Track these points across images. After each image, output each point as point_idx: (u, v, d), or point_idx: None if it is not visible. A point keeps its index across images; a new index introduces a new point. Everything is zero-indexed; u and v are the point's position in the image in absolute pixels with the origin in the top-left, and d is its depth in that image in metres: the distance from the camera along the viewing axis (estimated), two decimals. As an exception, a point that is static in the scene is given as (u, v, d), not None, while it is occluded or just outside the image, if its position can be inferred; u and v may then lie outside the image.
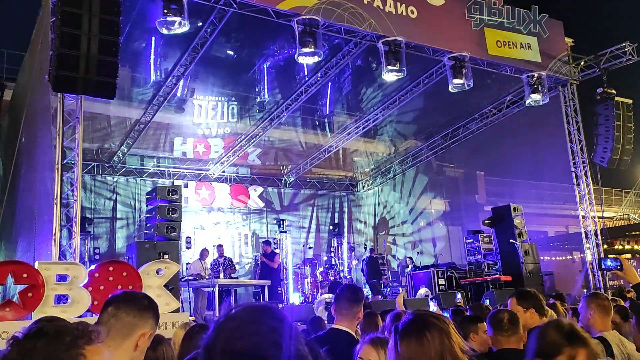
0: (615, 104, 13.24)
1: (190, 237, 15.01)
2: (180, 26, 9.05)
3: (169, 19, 8.86)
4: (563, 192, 16.53)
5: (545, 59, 12.97)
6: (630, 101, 13.58)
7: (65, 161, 8.49)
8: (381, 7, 10.79)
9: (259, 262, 14.36)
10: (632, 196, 25.23)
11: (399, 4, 11.03)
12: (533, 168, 16.44)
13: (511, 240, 13.13)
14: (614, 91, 13.32)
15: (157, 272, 7.07)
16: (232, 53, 14.48)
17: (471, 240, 14.43)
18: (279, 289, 13.92)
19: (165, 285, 7.18)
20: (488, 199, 18.74)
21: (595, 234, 13.34)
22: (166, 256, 9.21)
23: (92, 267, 7.17)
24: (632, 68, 13.30)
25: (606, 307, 3.69)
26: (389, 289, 15.19)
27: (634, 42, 12.94)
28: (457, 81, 11.62)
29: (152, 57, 13.74)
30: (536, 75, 12.77)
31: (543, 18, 12.98)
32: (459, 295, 10.93)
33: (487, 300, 9.77)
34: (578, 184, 13.57)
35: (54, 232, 7.96)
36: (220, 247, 12.97)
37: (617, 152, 13.21)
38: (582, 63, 13.76)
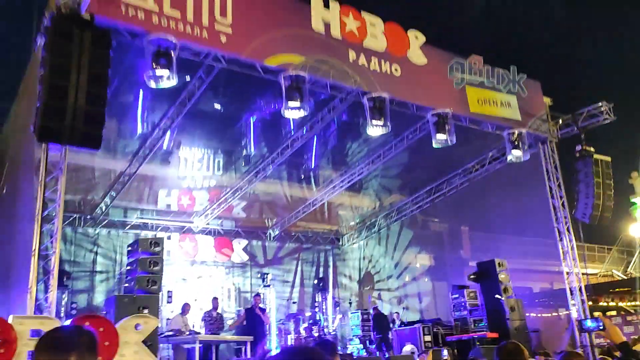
0: (594, 161, 13.54)
1: (172, 292, 14.71)
2: (168, 80, 9.17)
3: (157, 73, 8.99)
4: (547, 248, 16.57)
5: (525, 117, 13.32)
6: (609, 159, 13.90)
7: (46, 213, 8.36)
8: (366, 65, 11.10)
9: (243, 314, 14.06)
10: (615, 252, 25.38)
11: (383, 62, 11.35)
12: (517, 223, 16.53)
13: (497, 296, 13.03)
14: (592, 149, 13.66)
15: (136, 327, 6.85)
16: (219, 107, 14.69)
17: (457, 295, 14.30)
18: (264, 346, 13.57)
19: (143, 341, 6.94)
20: (473, 253, 18.71)
21: (580, 290, 13.31)
22: (145, 310, 8.96)
23: (68, 322, 6.94)
24: (610, 126, 13.69)
25: None
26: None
27: (610, 102, 13.39)
28: (440, 137, 11.84)
29: (140, 109, 13.88)
30: (516, 132, 13.07)
31: (522, 78, 13.41)
32: (445, 352, 10.73)
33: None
34: (561, 240, 13.65)
35: (30, 285, 7.74)
36: (215, 300, 12.70)
37: (598, 209, 13.40)
38: (561, 121, 14.15)
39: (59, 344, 2.02)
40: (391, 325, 15.15)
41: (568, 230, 13.63)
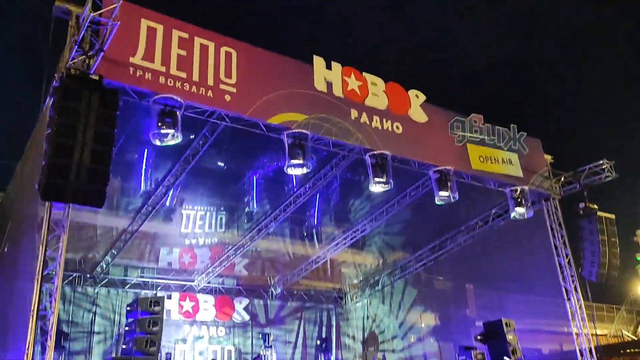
0: (598, 218, 13.47)
1: (170, 353, 14.33)
2: (173, 138, 9.29)
3: (163, 131, 9.13)
4: (554, 308, 16.20)
5: (526, 174, 13.37)
6: (613, 216, 13.83)
7: (46, 271, 8.27)
8: (368, 123, 11.26)
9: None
10: (624, 312, 24.83)
11: (384, 120, 11.52)
12: (523, 281, 16.26)
13: (505, 358, 12.63)
14: (595, 206, 13.62)
15: (133, 391, 6.64)
16: (222, 164, 14.79)
17: (464, 357, 13.84)
18: None
19: (140, 406, 6.70)
20: (478, 312, 18.30)
21: (590, 352, 12.93)
22: (143, 374, 8.70)
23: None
24: (612, 183, 13.70)
25: None
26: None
27: (611, 160, 13.46)
28: (443, 193, 11.86)
29: (144, 167, 13.98)
30: (519, 189, 13.09)
31: (522, 136, 13.56)
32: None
33: None
34: (569, 299, 13.38)
35: (27, 347, 7.55)
36: None
37: (605, 267, 13.21)
38: (563, 179, 14.18)
39: None
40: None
41: (575, 289, 13.39)
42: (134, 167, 13.82)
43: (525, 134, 13.66)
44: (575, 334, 13.13)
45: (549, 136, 15.29)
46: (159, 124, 9.06)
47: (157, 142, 9.41)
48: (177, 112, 9.16)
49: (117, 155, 8.90)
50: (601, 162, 13.47)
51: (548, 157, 14.34)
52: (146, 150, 13.40)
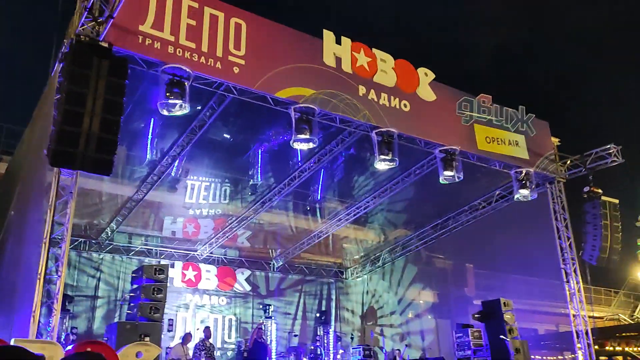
0: (602, 203, 13.50)
1: (172, 320, 14.56)
2: (180, 109, 9.30)
3: (170, 101, 9.13)
4: (552, 289, 16.40)
5: (532, 157, 13.35)
6: (617, 201, 13.86)
7: (53, 236, 8.39)
8: (375, 99, 11.22)
9: (247, 346, 13.90)
10: (621, 296, 25.05)
11: (392, 97, 11.48)
12: (522, 263, 16.41)
13: (502, 337, 12.82)
14: (600, 191, 13.63)
15: (137, 355, 6.81)
16: (228, 136, 14.79)
17: (461, 334, 14.07)
18: None
19: (144, 370, 6.87)
20: (477, 292, 18.53)
21: (587, 334, 13.10)
22: (147, 338, 8.89)
23: (69, 347, 6.88)
24: (618, 168, 13.69)
25: None
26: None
27: (619, 144, 13.42)
28: (447, 173, 11.88)
29: (150, 136, 13.99)
30: (524, 171, 13.09)
31: (530, 118, 13.50)
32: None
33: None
34: (568, 281, 13.50)
35: (33, 309, 7.71)
36: (207, 330, 12.58)
37: (606, 251, 13.30)
38: (569, 162, 14.16)
39: None
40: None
41: (575, 271, 13.49)
42: (140, 136, 13.82)
43: (534, 115, 13.60)
44: (572, 315, 13.28)
45: (557, 119, 15.23)
46: (167, 94, 9.06)
47: (165, 112, 9.42)
48: (186, 83, 9.15)
49: (123, 123, 8.92)
50: (608, 146, 13.43)
51: (555, 140, 14.30)
52: (152, 119, 13.38)
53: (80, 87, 7.38)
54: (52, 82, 9.10)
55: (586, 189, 13.72)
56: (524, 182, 13.05)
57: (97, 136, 7.31)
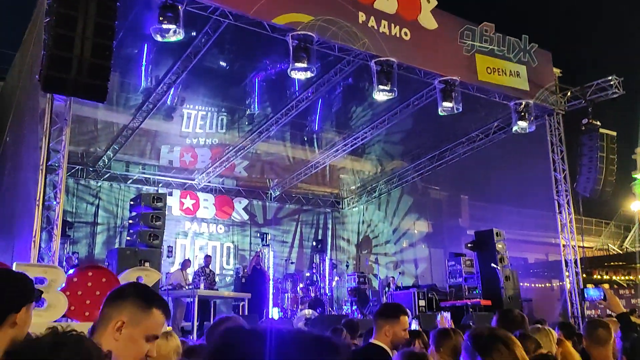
0: (599, 135, 13.49)
1: (172, 247, 14.86)
2: (174, 34, 9.05)
3: (164, 26, 8.87)
4: (545, 220, 16.68)
5: (533, 88, 13.19)
6: (614, 133, 13.84)
7: (50, 163, 8.38)
8: (375, 27, 10.92)
9: (245, 273, 14.30)
10: (612, 227, 25.56)
11: (392, 25, 11.16)
12: (517, 194, 16.59)
13: (493, 265, 13.20)
14: (598, 123, 13.58)
15: (138, 279, 6.97)
16: (224, 64, 14.51)
17: (453, 263, 14.47)
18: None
19: (144, 294, 7.07)
20: (471, 222, 18.85)
21: (575, 262, 13.47)
22: (147, 264, 9.09)
23: (71, 271, 7.04)
24: (618, 101, 13.56)
25: (599, 336, 3.56)
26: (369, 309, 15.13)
27: (620, 76, 13.23)
28: (446, 104, 11.76)
29: (144, 63, 13.71)
30: (524, 103, 12.97)
31: (532, 48, 13.22)
32: (445, 314, 10.86)
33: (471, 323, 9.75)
34: (560, 213, 13.72)
35: (34, 234, 7.83)
36: (208, 258, 12.88)
37: (600, 183, 13.42)
38: (569, 94, 14.01)
39: None
40: (386, 288, 15.38)
41: (568, 203, 13.68)
42: (134, 62, 13.54)
43: (537, 45, 13.32)
44: (563, 245, 13.61)
45: (560, 49, 14.92)
46: (161, 19, 8.79)
47: (158, 38, 9.18)
48: (179, 7, 8.86)
49: (116, 49, 8.70)
50: (610, 78, 13.25)
51: (557, 71, 14.09)
52: (146, 45, 13.06)
53: (70, 9, 7.12)
54: (41, 4, 8.78)
55: (585, 121, 13.66)
56: (522, 114, 12.96)
57: (89, 61, 7.13)
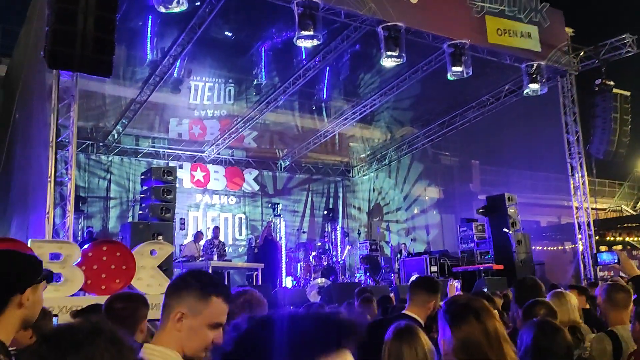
0: (613, 95, 13.24)
1: (184, 219, 14.97)
2: (178, 5, 8.94)
3: (167, -3, 8.74)
4: (557, 183, 16.58)
5: (545, 49, 12.91)
6: (628, 93, 13.58)
7: (59, 139, 8.41)
8: (382, -9, 10.67)
9: (258, 243, 14.44)
10: (626, 188, 25.35)
11: (399, -12, 10.91)
12: (528, 158, 16.46)
13: (504, 230, 13.18)
14: (612, 83, 13.31)
15: (151, 253, 7.06)
16: (230, 34, 14.32)
17: (464, 228, 14.48)
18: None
19: (159, 266, 7.16)
20: (482, 187, 18.77)
21: (588, 225, 13.41)
22: (160, 237, 9.18)
23: (86, 246, 7.13)
24: (632, 60, 13.27)
25: (618, 300, 3.46)
26: (381, 276, 15.25)
27: (635, 34, 12.89)
28: (456, 69, 11.57)
29: (149, 36, 13.56)
30: (535, 64, 12.73)
31: (544, 7, 12.90)
32: (455, 282, 10.93)
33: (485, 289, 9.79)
34: (573, 175, 13.60)
35: (47, 210, 7.91)
36: (216, 229, 12.95)
37: (613, 145, 13.24)
38: (582, 54, 13.71)
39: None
40: (398, 255, 15.46)
41: (581, 165, 13.54)
42: (139, 35, 13.39)
43: (548, 4, 12.99)
44: (575, 207, 13.53)
45: (572, 8, 14.53)
46: (163, -11, 8.66)
47: (162, 9, 9.07)
48: (182, -24, 8.70)
49: (120, 22, 8.61)
50: (624, 36, 12.92)
51: (569, 30, 13.76)
52: (150, 17, 12.91)
53: (71, -18, 7.03)
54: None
55: (598, 81, 13.40)
56: (534, 76, 12.73)
57: (93, 36, 7.07)
